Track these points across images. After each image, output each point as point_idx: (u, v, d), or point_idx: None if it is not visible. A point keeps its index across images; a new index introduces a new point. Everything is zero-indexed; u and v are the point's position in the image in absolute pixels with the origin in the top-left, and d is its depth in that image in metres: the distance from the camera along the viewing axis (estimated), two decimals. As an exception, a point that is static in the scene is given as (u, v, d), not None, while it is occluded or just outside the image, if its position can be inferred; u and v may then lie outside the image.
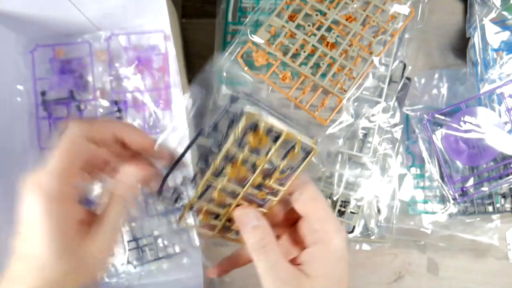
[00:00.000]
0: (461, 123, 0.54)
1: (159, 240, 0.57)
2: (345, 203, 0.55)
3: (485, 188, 0.55)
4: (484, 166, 0.56)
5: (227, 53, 0.52)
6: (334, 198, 0.55)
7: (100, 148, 0.31)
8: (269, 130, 0.30)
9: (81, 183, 0.31)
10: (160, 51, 0.58)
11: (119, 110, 0.57)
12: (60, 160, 0.29)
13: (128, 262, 0.56)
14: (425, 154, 0.56)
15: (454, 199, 0.55)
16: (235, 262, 0.39)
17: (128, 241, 0.56)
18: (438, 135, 0.55)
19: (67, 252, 0.29)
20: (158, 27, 0.57)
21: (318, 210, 0.34)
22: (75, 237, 0.30)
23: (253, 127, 0.29)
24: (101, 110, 0.57)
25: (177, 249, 0.57)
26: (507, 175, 0.54)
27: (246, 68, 0.51)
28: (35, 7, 0.48)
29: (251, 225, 0.32)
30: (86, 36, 0.57)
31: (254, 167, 0.32)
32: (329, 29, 0.52)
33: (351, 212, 0.55)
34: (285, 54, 0.51)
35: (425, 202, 0.58)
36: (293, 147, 0.32)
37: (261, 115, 0.29)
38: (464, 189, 0.55)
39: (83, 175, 0.31)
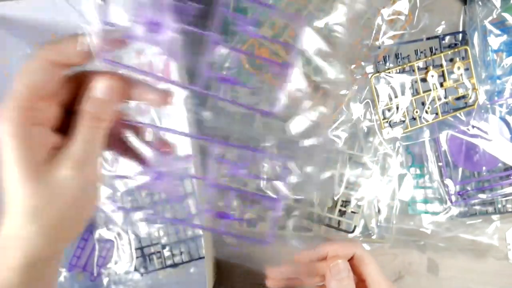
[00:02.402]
0: (470, 127, 0.54)
1: (166, 249, 0.57)
2: (346, 202, 0.55)
3: (483, 195, 0.55)
4: (485, 173, 0.56)
5: (226, 52, 0.52)
6: (335, 198, 0.55)
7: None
8: None
9: (52, 109, 0.29)
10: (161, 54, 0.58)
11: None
12: (22, 86, 0.27)
13: (135, 270, 0.56)
14: (429, 153, 0.57)
15: (451, 201, 0.55)
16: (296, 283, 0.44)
17: (135, 249, 0.56)
18: (444, 136, 0.56)
19: (34, 176, 0.27)
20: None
21: (375, 273, 0.41)
22: (45, 161, 0.28)
23: None
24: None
25: (184, 258, 0.57)
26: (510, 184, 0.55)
27: (247, 66, 0.51)
28: (37, 12, 0.48)
29: (345, 275, 0.40)
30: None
31: None
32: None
33: (352, 212, 0.55)
34: (287, 52, 0.52)
35: (425, 202, 0.58)
36: None
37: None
38: (461, 193, 0.56)
39: (53, 98, 0.29)
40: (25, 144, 0.27)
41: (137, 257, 0.56)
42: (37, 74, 0.28)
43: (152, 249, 0.57)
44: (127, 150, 0.35)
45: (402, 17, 0.53)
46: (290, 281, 0.44)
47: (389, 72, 0.51)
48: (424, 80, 0.52)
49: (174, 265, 0.57)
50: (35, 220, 0.28)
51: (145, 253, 0.57)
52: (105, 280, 0.56)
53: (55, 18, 0.50)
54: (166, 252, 0.57)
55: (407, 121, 0.52)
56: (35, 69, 0.28)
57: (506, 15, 0.56)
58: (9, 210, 0.28)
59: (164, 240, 0.57)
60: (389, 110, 0.52)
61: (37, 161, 0.28)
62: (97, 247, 0.56)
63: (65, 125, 0.30)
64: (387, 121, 0.52)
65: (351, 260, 0.42)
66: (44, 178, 0.28)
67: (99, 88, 0.29)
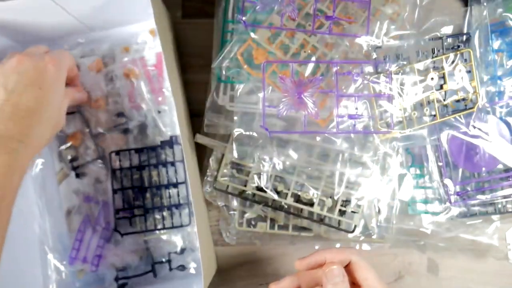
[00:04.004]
0: (471, 127, 0.54)
1: (149, 213, 0.57)
2: (346, 202, 0.55)
3: (482, 196, 0.55)
4: (484, 174, 0.56)
5: (225, 52, 0.52)
6: (335, 198, 0.55)
7: None
8: None
9: None
10: (154, 49, 0.58)
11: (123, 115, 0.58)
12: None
13: (115, 230, 0.56)
14: (429, 153, 0.56)
15: (450, 202, 0.55)
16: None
17: (117, 210, 0.56)
18: (444, 136, 0.56)
19: None
20: (150, 25, 0.58)
21: (371, 279, 0.42)
22: None
23: None
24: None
25: (167, 224, 0.57)
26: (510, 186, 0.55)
27: (245, 67, 0.51)
28: (21, 11, 0.49)
29: (339, 279, 0.40)
30: (79, 39, 0.58)
31: None
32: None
33: (352, 212, 0.55)
34: (285, 53, 0.52)
35: (425, 202, 0.58)
36: None
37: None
38: (460, 193, 0.55)
39: None
40: None
41: (118, 218, 0.57)
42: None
43: (136, 212, 0.57)
44: None
45: (402, 16, 0.53)
46: None
47: (389, 73, 0.51)
48: (423, 81, 0.52)
49: (156, 230, 0.57)
50: None
51: (127, 215, 0.57)
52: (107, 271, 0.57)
53: (42, 18, 0.50)
54: (149, 216, 0.57)
55: (405, 122, 0.52)
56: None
57: (508, 15, 0.56)
58: None
59: (148, 205, 0.57)
60: (386, 110, 0.52)
61: None
62: (94, 235, 0.57)
63: None
64: (384, 122, 0.52)
65: (347, 266, 0.43)
66: None
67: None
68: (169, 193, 0.57)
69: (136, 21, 0.57)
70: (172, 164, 0.57)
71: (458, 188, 0.56)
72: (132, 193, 0.57)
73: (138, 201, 0.57)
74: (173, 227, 0.57)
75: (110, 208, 0.57)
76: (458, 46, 0.54)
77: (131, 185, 0.57)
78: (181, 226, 0.57)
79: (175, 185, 0.57)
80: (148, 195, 0.57)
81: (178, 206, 0.57)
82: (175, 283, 0.56)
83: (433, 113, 0.53)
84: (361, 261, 0.43)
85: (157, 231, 0.57)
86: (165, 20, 0.55)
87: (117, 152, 0.57)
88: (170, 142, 0.57)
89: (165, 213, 0.57)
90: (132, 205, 0.57)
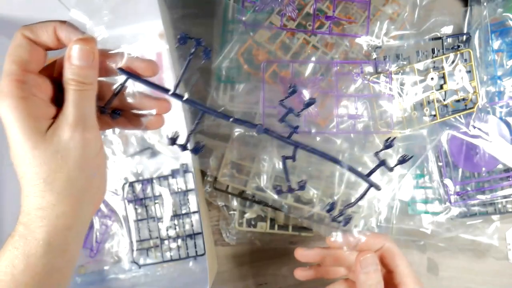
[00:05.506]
0: (471, 127, 0.54)
1: (165, 243, 0.58)
2: (346, 202, 0.55)
3: (482, 196, 0.55)
4: (484, 174, 0.56)
5: (225, 52, 0.52)
6: (335, 198, 0.55)
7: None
8: None
9: (44, 81, 0.32)
10: (154, 49, 0.58)
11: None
12: (11, 63, 0.30)
13: (134, 262, 0.57)
14: (429, 153, 0.56)
15: (450, 202, 0.55)
16: (321, 273, 0.48)
17: (137, 241, 0.57)
18: (444, 136, 0.56)
19: (40, 143, 0.29)
20: (152, 24, 0.58)
21: (403, 265, 0.43)
22: (46, 130, 0.30)
23: None
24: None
25: (182, 254, 0.58)
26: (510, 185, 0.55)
27: (245, 67, 0.51)
28: (25, 10, 0.48)
29: (373, 268, 0.41)
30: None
31: None
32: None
33: (352, 212, 0.55)
34: (285, 53, 0.52)
35: (425, 202, 0.58)
36: None
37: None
38: (460, 193, 0.55)
39: (43, 72, 0.32)
40: (26, 113, 0.29)
41: (137, 249, 0.57)
42: (20, 49, 0.31)
43: (151, 243, 0.58)
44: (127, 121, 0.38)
45: (402, 16, 0.53)
46: (316, 272, 0.47)
47: (389, 73, 0.51)
48: (423, 81, 0.52)
49: (172, 260, 0.57)
50: (52, 188, 0.30)
51: (144, 246, 0.58)
52: (105, 267, 0.58)
53: (43, 16, 0.50)
54: (165, 247, 0.58)
55: (405, 122, 0.52)
56: (17, 46, 0.31)
57: (508, 15, 0.56)
58: (25, 184, 0.30)
59: (163, 235, 0.58)
60: (386, 110, 0.52)
61: (40, 130, 0.30)
62: (97, 222, 0.58)
63: (61, 99, 0.32)
64: (384, 122, 0.52)
65: (380, 252, 0.44)
66: (49, 144, 0.30)
67: (73, 55, 0.31)
68: (183, 222, 0.58)
69: (141, 21, 0.57)
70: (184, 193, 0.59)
71: (458, 188, 0.56)
72: (147, 223, 0.58)
73: (153, 232, 0.58)
74: (189, 256, 0.57)
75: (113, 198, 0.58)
76: (458, 46, 0.54)
77: (147, 216, 0.58)
78: (198, 255, 0.57)
79: (188, 215, 0.58)
80: (162, 225, 0.58)
81: (192, 235, 0.58)
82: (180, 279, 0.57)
83: (433, 113, 0.53)
84: (394, 248, 0.44)
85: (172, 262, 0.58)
86: (168, 19, 0.55)
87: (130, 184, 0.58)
88: (181, 171, 0.59)
89: (180, 243, 0.58)
90: (148, 237, 0.58)
